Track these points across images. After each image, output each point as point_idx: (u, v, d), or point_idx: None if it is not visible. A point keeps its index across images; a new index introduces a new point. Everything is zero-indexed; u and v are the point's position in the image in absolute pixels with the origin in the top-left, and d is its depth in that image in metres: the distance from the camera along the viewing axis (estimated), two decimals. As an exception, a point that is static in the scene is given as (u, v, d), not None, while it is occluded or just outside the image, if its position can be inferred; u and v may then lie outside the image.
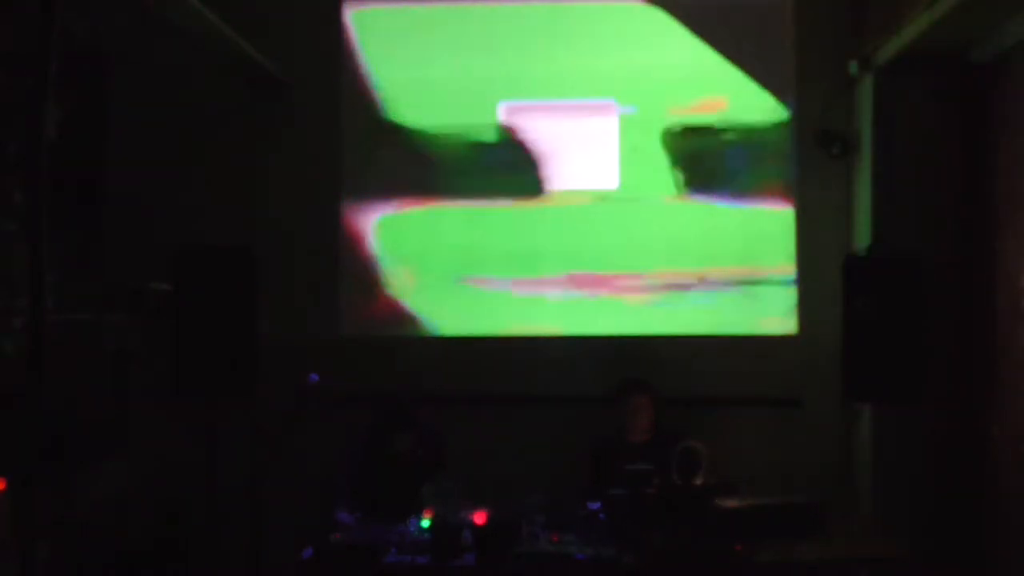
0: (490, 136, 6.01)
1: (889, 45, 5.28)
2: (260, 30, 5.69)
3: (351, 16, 6.09)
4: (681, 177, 5.95)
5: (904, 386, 4.82)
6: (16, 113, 4.35)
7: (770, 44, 5.96)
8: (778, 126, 5.93)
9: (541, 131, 6.00)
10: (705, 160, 5.95)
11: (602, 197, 5.96)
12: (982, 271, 5.28)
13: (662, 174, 5.95)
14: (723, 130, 5.94)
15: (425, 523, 4.32)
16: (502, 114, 6.01)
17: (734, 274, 5.91)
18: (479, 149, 6.00)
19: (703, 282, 5.79)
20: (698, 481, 4.51)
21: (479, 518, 4.28)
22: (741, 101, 5.93)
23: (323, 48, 6.05)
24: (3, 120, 4.42)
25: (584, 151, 5.98)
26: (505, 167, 6.00)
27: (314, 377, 4.80)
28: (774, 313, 5.90)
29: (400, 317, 6.01)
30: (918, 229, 5.42)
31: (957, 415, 5.36)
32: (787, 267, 5.90)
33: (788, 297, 5.89)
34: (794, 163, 5.93)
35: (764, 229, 5.91)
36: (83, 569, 4.83)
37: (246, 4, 5.64)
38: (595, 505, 4.47)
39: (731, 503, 4.32)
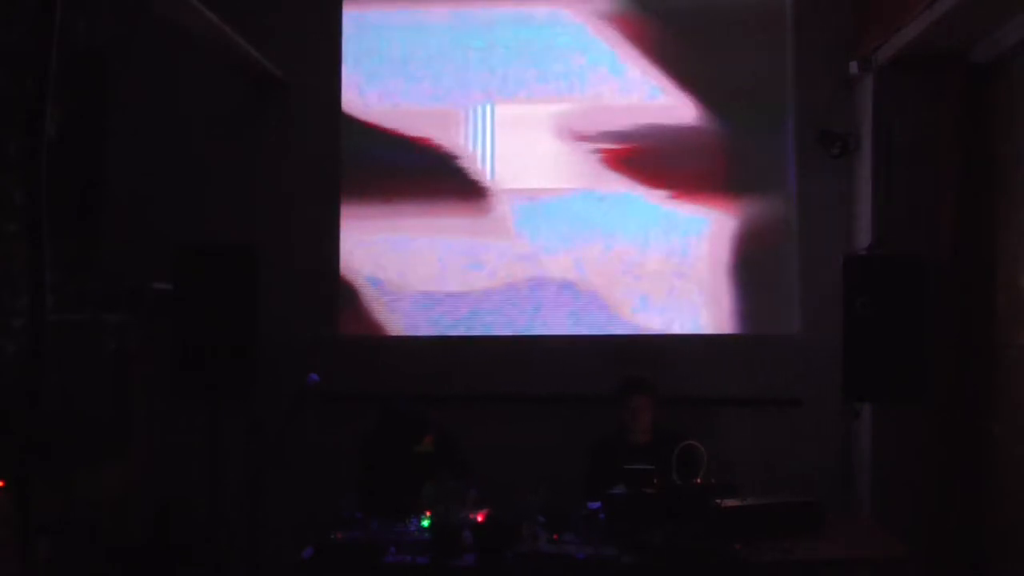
0: (485, 136, 6.01)
1: (889, 45, 5.28)
2: (260, 30, 5.69)
3: (351, 17, 6.09)
4: (678, 176, 5.95)
5: (904, 386, 4.82)
6: (16, 113, 4.35)
7: (770, 44, 5.96)
8: (778, 126, 5.94)
9: (533, 131, 6.00)
10: (703, 159, 5.95)
11: (599, 198, 5.96)
12: (982, 271, 5.28)
13: (660, 173, 5.95)
14: (722, 129, 5.94)
15: (425, 523, 4.32)
16: (496, 115, 6.01)
17: (733, 273, 5.91)
18: (474, 149, 6.00)
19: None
20: (698, 481, 4.51)
21: (479, 518, 4.28)
22: (741, 101, 5.93)
23: (323, 48, 6.05)
24: (3, 120, 4.42)
25: (580, 150, 5.98)
26: (498, 167, 6.00)
27: (314, 377, 4.79)
28: (774, 313, 5.90)
29: (400, 317, 6.00)
30: (918, 229, 5.42)
31: (957, 415, 5.36)
32: (787, 267, 5.90)
33: (788, 297, 5.89)
34: (794, 163, 5.93)
35: (763, 229, 5.91)
36: (83, 569, 4.83)
37: (246, 4, 5.65)
38: (595, 505, 4.47)
39: (731, 503, 4.31)
